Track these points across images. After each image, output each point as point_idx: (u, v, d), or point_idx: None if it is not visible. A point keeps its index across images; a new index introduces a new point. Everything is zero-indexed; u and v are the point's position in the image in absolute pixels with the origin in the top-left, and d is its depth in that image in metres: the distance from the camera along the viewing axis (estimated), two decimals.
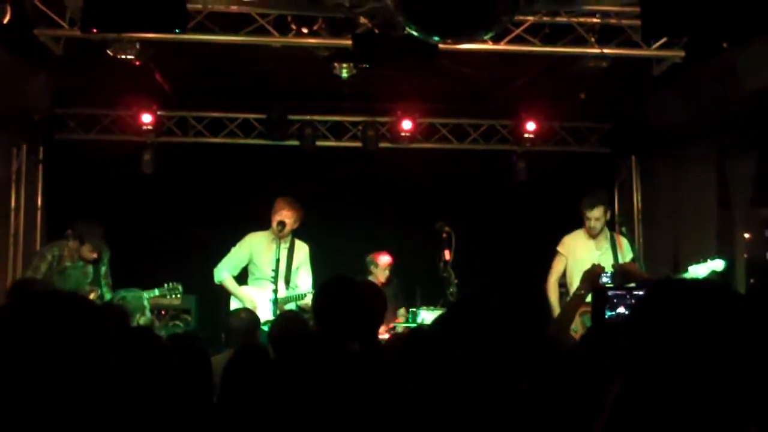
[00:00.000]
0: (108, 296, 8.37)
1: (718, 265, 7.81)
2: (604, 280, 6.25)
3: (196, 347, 3.95)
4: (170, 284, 8.74)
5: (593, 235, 8.75)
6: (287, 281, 8.51)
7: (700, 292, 1.92)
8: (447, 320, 4.01)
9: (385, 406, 3.32)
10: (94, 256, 8.42)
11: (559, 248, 8.89)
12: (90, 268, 8.46)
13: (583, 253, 8.61)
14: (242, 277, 8.84)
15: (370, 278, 9.81)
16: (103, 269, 8.59)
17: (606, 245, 8.74)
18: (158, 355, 3.08)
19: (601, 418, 2.13)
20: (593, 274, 6.12)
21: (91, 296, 8.14)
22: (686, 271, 7.67)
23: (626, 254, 8.71)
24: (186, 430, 2.97)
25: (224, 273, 8.70)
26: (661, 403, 1.83)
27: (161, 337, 3.59)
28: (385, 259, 9.94)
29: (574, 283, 7.94)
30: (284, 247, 8.51)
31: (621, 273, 6.15)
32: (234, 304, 8.47)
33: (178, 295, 8.88)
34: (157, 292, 8.58)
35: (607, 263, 8.24)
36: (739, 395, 1.80)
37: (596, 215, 8.71)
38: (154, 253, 10.68)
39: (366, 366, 3.71)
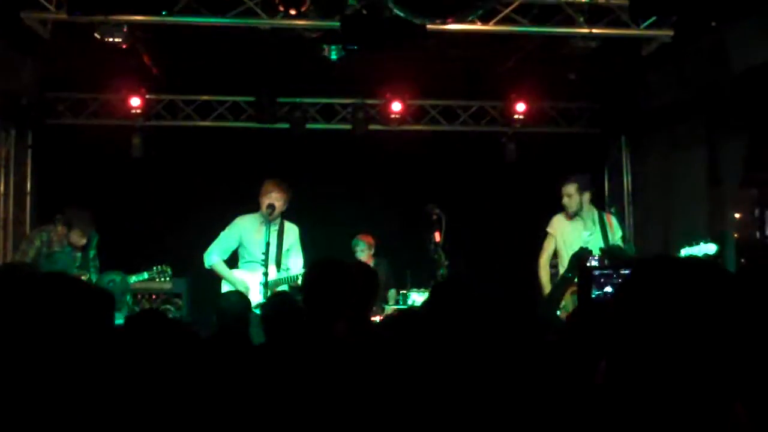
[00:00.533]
0: (94, 278, 8.35)
1: (710, 248, 7.83)
2: (593, 263, 6.27)
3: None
4: (159, 267, 8.72)
5: (568, 215, 8.71)
6: (278, 263, 8.50)
7: (685, 268, 1.91)
8: (431, 302, 4.03)
9: (371, 387, 3.33)
10: (84, 241, 8.39)
11: (549, 229, 8.88)
12: (78, 253, 8.44)
13: (571, 234, 8.61)
14: (233, 261, 8.83)
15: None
16: (92, 253, 8.56)
17: (594, 226, 8.73)
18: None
19: (589, 395, 2.13)
20: (581, 258, 6.14)
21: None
22: (678, 254, 7.68)
23: (616, 234, 8.70)
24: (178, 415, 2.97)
25: (214, 257, 8.68)
26: (646, 381, 1.82)
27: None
28: (362, 241, 10.01)
29: (565, 263, 7.94)
30: (274, 229, 8.48)
31: (608, 255, 6.17)
32: (225, 288, 8.45)
33: (168, 279, 8.87)
34: (146, 275, 8.57)
35: (597, 244, 8.27)
36: (725, 373, 1.79)
37: (568, 191, 8.68)
38: (145, 236, 10.68)
39: (352, 346, 3.71)
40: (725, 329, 1.80)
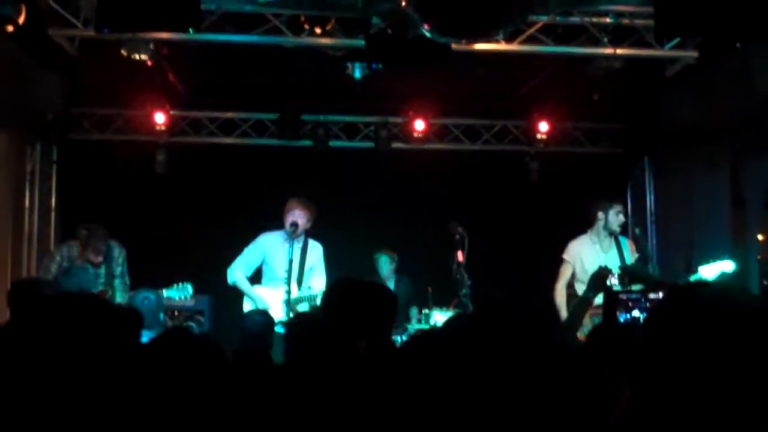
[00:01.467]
0: (120, 297, 8.36)
1: (727, 266, 7.79)
2: (613, 281, 6.24)
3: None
4: (180, 284, 8.69)
5: (618, 231, 8.68)
6: (299, 281, 8.51)
7: (720, 295, 1.90)
8: (475, 326, 4.02)
9: (391, 406, 3.32)
10: (99, 259, 8.39)
11: (565, 255, 8.83)
12: (102, 269, 8.46)
13: (589, 257, 8.57)
14: (256, 278, 8.84)
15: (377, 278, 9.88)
16: (118, 269, 8.55)
17: (611, 247, 8.70)
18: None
19: (612, 421, 2.12)
20: (601, 276, 6.10)
21: (105, 296, 8.14)
22: (696, 272, 7.64)
23: (632, 255, 8.67)
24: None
25: (237, 273, 8.69)
26: (675, 408, 1.81)
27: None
28: (385, 255, 10.03)
29: (582, 288, 7.90)
30: (297, 247, 8.50)
31: (627, 274, 6.14)
32: (247, 305, 8.47)
33: (188, 296, 8.82)
34: (165, 292, 8.54)
35: (614, 265, 8.23)
36: (756, 402, 1.78)
37: (620, 208, 8.72)
38: (168, 253, 10.71)
39: (374, 366, 3.70)
40: (758, 357, 1.78)
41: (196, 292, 9.15)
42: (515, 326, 3.63)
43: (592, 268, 7.76)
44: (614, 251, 8.65)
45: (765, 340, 1.80)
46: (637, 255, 8.76)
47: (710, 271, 7.56)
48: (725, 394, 1.77)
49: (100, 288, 8.32)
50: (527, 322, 3.73)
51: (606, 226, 8.67)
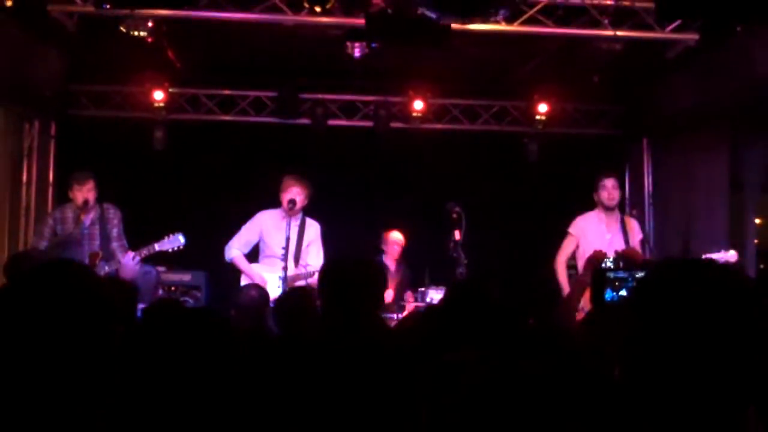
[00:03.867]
0: (120, 259, 8.20)
1: (732, 256, 7.81)
2: (608, 265, 6.26)
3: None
4: (171, 236, 8.42)
5: (611, 207, 8.68)
6: (296, 259, 8.52)
7: (702, 271, 1.90)
8: (447, 300, 4.04)
9: (386, 381, 3.34)
10: (85, 197, 8.24)
11: (570, 229, 8.86)
12: (96, 229, 8.38)
13: (594, 236, 8.58)
14: (253, 256, 8.86)
15: (383, 256, 9.89)
16: (114, 231, 8.46)
17: (617, 227, 8.71)
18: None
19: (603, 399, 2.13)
20: (596, 259, 6.12)
21: (96, 259, 8.11)
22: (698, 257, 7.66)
23: (636, 237, 8.70)
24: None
25: (234, 251, 8.72)
26: (659, 384, 1.82)
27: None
28: (394, 236, 10.00)
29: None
30: (294, 225, 8.51)
31: (624, 258, 6.15)
32: (244, 282, 8.48)
33: (180, 246, 8.48)
34: (156, 246, 8.32)
35: (618, 246, 8.25)
36: (740, 377, 1.79)
37: (613, 184, 8.71)
38: (165, 229, 10.67)
39: (367, 341, 3.73)
40: (741, 333, 1.79)
41: (192, 268, 9.11)
42: (488, 305, 3.65)
43: (594, 245, 7.79)
44: (619, 232, 8.66)
45: (744, 314, 1.81)
46: (641, 237, 8.79)
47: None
48: (706, 369, 1.78)
49: (95, 249, 8.26)
50: (500, 304, 3.74)
51: (598, 201, 8.71)
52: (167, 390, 2.45)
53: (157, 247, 8.22)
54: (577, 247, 8.74)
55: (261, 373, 3.45)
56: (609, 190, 8.69)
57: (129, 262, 7.89)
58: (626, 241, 8.51)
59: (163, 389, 2.44)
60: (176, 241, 8.28)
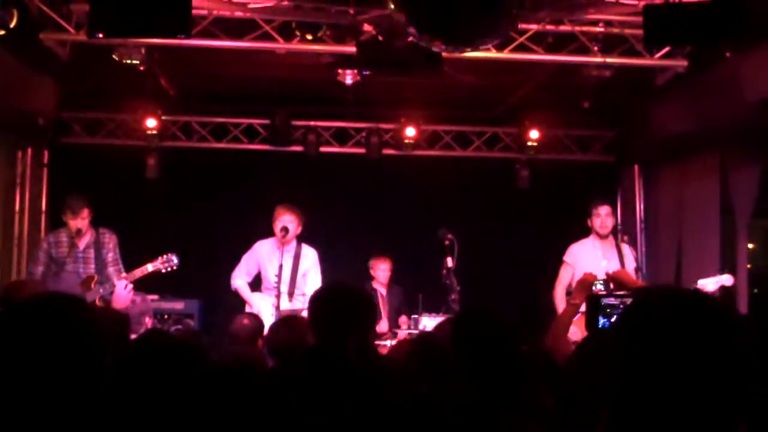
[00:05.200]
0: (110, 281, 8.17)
1: (727, 279, 7.82)
2: (598, 287, 6.24)
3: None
4: (165, 257, 8.39)
5: (604, 234, 8.72)
6: (291, 287, 8.54)
7: (682, 300, 1.92)
8: (455, 331, 4.05)
9: (380, 408, 3.34)
10: (78, 227, 8.24)
11: (566, 258, 8.88)
12: (91, 253, 8.36)
13: (589, 262, 8.57)
14: (257, 284, 8.90)
15: (373, 283, 9.89)
16: (110, 255, 8.44)
17: (613, 252, 8.73)
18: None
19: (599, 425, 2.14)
20: (586, 283, 6.12)
21: (92, 282, 8.09)
22: (695, 285, 7.67)
23: (630, 264, 8.71)
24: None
25: (238, 280, 8.82)
26: (648, 409, 1.83)
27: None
28: (379, 261, 10.01)
29: None
30: (288, 253, 8.53)
31: (613, 281, 6.14)
32: (249, 310, 8.52)
33: (173, 267, 8.46)
34: (150, 267, 8.28)
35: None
36: (727, 399, 1.80)
37: (606, 211, 8.75)
38: (158, 257, 10.67)
39: (360, 369, 3.73)
40: (719, 359, 1.81)
41: (185, 295, 9.08)
42: (495, 332, 3.66)
43: (590, 271, 7.78)
44: (615, 257, 8.67)
45: (724, 340, 1.83)
46: (635, 265, 8.80)
47: (710, 284, 7.60)
48: (692, 391, 1.80)
49: (91, 273, 8.23)
50: (509, 328, 3.76)
51: (592, 228, 8.76)
52: (151, 423, 2.46)
53: (150, 267, 8.20)
54: (574, 275, 8.75)
55: (243, 406, 3.45)
56: (602, 217, 8.75)
57: (122, 291, 7.85)
58: (622, 267, 8.51)
59: (147, 422, 2.45)
60: (170, 261, 8.27)
